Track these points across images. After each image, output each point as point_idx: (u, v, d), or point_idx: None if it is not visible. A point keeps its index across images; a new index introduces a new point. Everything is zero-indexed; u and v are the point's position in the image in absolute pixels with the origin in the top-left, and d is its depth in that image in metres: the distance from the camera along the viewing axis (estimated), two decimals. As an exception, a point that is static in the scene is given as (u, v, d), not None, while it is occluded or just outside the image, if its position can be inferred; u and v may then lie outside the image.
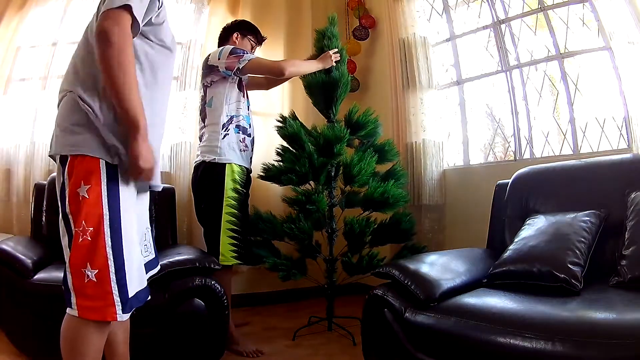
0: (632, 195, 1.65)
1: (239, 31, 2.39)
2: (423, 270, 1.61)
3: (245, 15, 3.01)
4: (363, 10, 3.48)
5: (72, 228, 1.17)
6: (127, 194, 1.24)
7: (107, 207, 1.18)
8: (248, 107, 2.35)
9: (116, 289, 1.16)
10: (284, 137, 2.51)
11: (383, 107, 3.08)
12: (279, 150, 2.53)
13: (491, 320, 1.30)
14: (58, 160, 1.24)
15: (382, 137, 2.64)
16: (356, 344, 2.26)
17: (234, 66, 2.17)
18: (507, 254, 1.73)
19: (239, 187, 2.21)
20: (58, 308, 1.81)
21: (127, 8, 1.14)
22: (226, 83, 2.23)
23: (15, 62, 2.83)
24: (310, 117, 2.93)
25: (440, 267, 1.68)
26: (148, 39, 1.27)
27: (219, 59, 2.20)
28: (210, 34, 3.00)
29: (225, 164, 2.18)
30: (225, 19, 2.96)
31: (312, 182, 2.43)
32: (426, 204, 2.83)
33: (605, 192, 1.77)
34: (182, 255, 2.00)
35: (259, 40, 2.47)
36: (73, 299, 1.16)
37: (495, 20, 2.77)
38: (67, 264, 1.18)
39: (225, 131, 2.20)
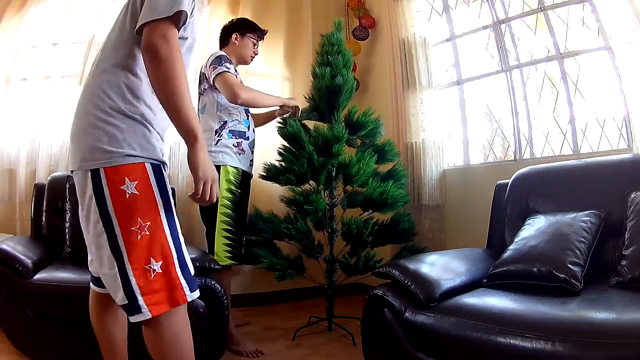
0: (632, 195, 1.65)
1: (237, 31, 2.39)
2: (423, 270, 1.61)
3: (245, 15, 3.01)
4: (363, 10, 3.48)
5: (119, 232, 1.10)
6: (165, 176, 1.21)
7: (159, 197, 1.14)
8: (247, 110, 2.34)
9: (179, 271, 1.14)
10: (284, 137, 2.51)
11: (383, 107, 3.08)
12: (280, 150, 2.54)
13: (491, 320, 1.30)
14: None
15: (382, 137, 2.64)
16: (356, 344, 2.26)
17: (209, 77, 2.18)
18: (507, 254, 1.73)
19: (233, 187, 2.21)
20: (58, 308, 1.84)
21: (174, 19, 1.09)
22: (215, 90, 2.23)
23: (15, 62, 2.83)
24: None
25: (440, 267, 1.68)
26: None
27: (206, 66, 2.22)
28: (210, 34, 3.00)
29: (219, 165, 2.18)
30: (225, 19, 2.95)
31: (312, 182, 2.43)
32: (426, 204, 2.83)
33: (605, 192, 1.77)
34: (182, 255, 2.00)
35: (260, 35, 2.46)
36: (140, 302, 1.10)
37: (495, 20, 2.77)
38: (122, 272, 1.10)
39: (218, 137, 2.21)
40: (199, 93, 2.32)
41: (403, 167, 2.67)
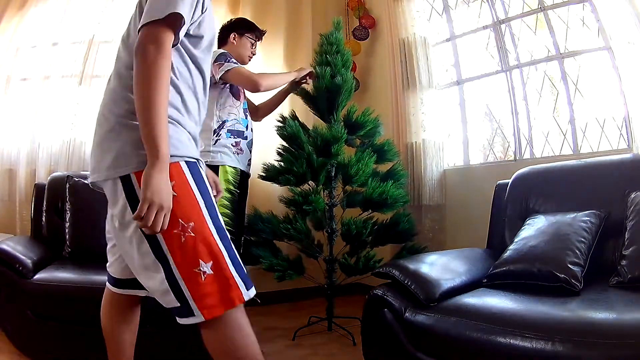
0: (632, 195, 1.65)
1: (235, 31, 2.38)
2: (423, 270, 1.61)
3: (245, 15, 3.01)
4: (363, 10, 3.48)
5: (161, 237, 1.04)
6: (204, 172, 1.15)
7: (199, 194, 1.08)
8: (245, 109, 2.34)
9: (233, 270, 1.08)
10: (283, 137, 2.51)
11: (383, 107, 3.08)
12: (279, 150, 2.54)
13: (491, 320, 1.30)
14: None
15: (382, 137, 2.64)
16: (356, 344, 2.26)
17: (215, 74, 2.18)
18: (507, 254, 1.73)
19: (232, 187, 2.21)
20: (58, 308, 1.84)
21: (170, 22, 1.03)
22: (217, 88, 2.23)
23: (15, 62, 2.83)
24: (310, 117, 2.92)
25: (440, 267, 1.68)
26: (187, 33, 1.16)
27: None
28: (210, 34, 3.00)
29: (218, 165, 2.18)
30: (225, 18, 2.94)
31: (311, 182, 2.43)
32: (426, 204, 2.83)
33: (605, 192, 1.77)
34: (182, 255, 2.00)
35: (258, 35, 2.46)
36: (193, 306, 1.03)
37: (495, 20, 2.77)
38: (169, 277, 1.04)
39: (216, 136, 2.21)
40: None
41: (402, 167, 2.67)
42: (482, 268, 1.77)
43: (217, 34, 1.28)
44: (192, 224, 1.04)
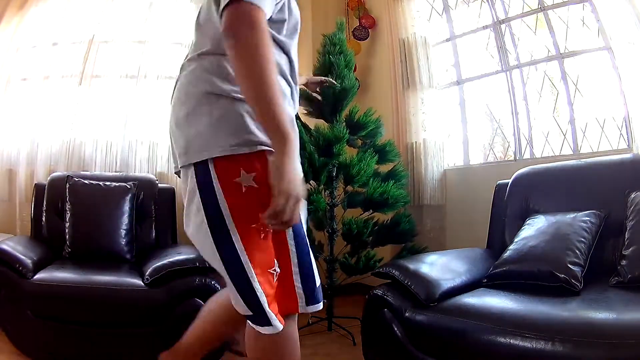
0: (632, 195, 1.65)
1: None
2: (423, 270, 1.61)
3: (245, 15, 3.01)
4: (363, 10, 3.48)
5: (235, 231, 0.94)
6: None
7: None
8: None
9: (299, 280, 0.99)
10: (284, 137, 2.50)
11: (383, 107, 3.08)
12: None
13: (491, 320, 1.30)
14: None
15: (382, 138, 2.64)
16: (356, 344, 2.26)
17: None
18: (507, 254, 1.73)
19: None
20: (58, 308, 1.83)
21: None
22: None
23: (15, 62, 2.83)
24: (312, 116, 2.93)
25: (441, 267, 1.68)
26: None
27: None
28: (210, 34, 3.00)
29: None
30: (225, 19, 2.96)
31: (312, 182, 2.43)
32: (427, 204, 2.83)
33: (605, 192, 1.77)
34: (182, 255, 2.00)
35: None
36: (268, 312, 0.96)
37: (495, 20, 2.77)
38: (239, 278, 0.95)
39: None
40: None
41: (404, 167, 2.67)
42: (482, 268, 1.77)
43: (300, 20, 1.21)
44: None
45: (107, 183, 2.44)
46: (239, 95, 0.95)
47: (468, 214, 2.68)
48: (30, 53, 2.85)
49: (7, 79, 2.79)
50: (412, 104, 2.90)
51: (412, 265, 1.64)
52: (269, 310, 0.95)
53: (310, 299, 1.01)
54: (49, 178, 2.52)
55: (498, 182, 2.20)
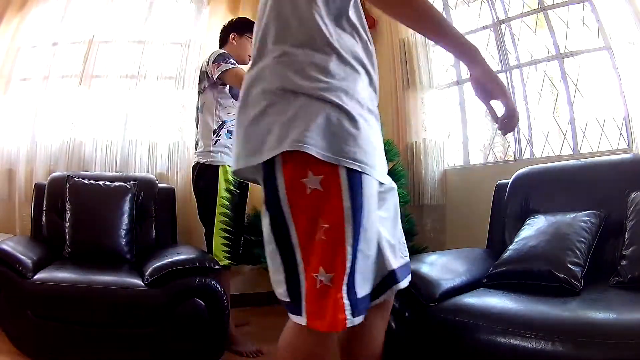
0: (632, 195, 1.65)
1: (235, 31, 2.38)
2: (423, 270, 1.60)
3: (245, 15, 3.00)
4: (363, 11, 3.48)
5: (293, 226, 0.93)
6: (371, 181, 0.97)
7: (349, 199, 0.91)
8: None
9: (345, 291, 0.94)
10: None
11: (383, 107, 3.04)
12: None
13: (491, 320, 1.30)
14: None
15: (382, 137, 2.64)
16: (356, 344, 2.25)
17: (213, 75, 2.17)
18: (507, 254, 1.73)
19: (232, 187, 2.21)
20: (58, 308, 1.84)
21: None
22: (217, 89, 2.23)
23: (16, 62, 2.83)
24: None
25: (441, 267, 1.68)
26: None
27: (208, 64, 2.21)
28: (210, 34, 3.00)
29: (218, 165, 2.18)
30: (225, 18, 2.95)
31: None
32: (427, 204, 2.83)
33: (605, 192, 1.76)
34: (182, 255, 2.01)
35: None
36: (304, 306, 0.94)
37: (495, 20, 2.77)
38: (289, 268, 0.96)
39: (216, 137, 2.21)
40: (198, 92, 2.31)
41: (403, 166, 2.67)
42: (482, 268, 1.77)
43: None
44: (326, 226, 0.91)
45: (107, 183, 2.45)
46: (320, 93, 0.93)
47: (468, 214, 2.68)
48: (31, 53, 2.85)
49: (7, 79, 2.79)
50: (412, 104, 2.90)
51: (412, 265, 1.62)
52: (304, 305, 0.95)
53: (355, 312, 0.95)
54: (49, 178, 2.52)
55: (498, 182, 2.20)
